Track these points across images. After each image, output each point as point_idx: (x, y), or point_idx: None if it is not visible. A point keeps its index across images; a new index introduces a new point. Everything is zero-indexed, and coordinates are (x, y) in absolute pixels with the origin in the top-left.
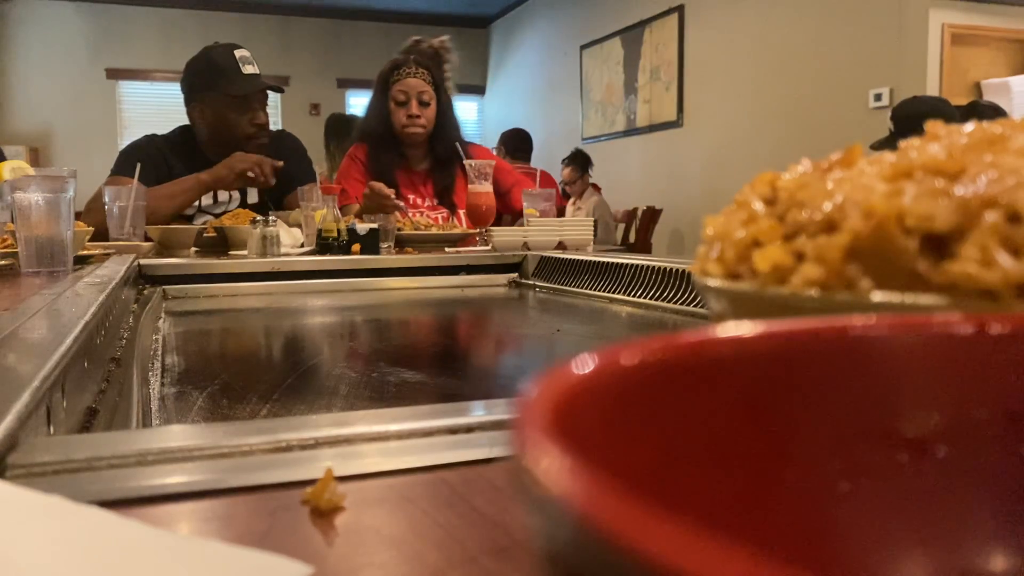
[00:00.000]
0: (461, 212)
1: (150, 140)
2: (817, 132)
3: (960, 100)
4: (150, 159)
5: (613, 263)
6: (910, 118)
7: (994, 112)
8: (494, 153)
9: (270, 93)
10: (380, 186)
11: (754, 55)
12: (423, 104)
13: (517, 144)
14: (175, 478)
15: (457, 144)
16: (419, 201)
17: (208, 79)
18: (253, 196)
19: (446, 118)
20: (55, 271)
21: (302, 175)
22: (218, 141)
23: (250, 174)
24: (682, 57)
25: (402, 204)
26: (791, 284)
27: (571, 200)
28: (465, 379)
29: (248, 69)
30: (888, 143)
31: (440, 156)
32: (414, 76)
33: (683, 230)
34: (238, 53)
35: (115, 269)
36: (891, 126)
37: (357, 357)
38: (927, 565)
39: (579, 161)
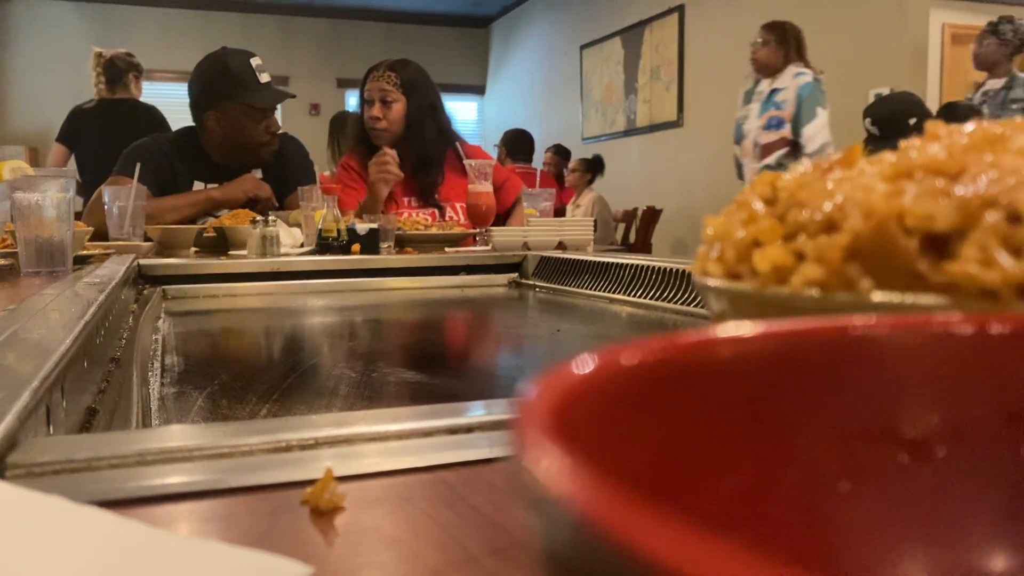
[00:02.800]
0: (458, 205)
1: (155, 140)
2: None
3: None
4: (153, 160)
5: (613, 263)
6: (895, 116)
7: (970, 111)
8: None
9: None
10: (389, 153)
11: None
12: (384, 104)
13: (516, 145)
14: (175, 478)
15: (457, 144)
16: (412, 201)
17: (226, 88)
18: None
19: (417, 119)
20: (55, 271)
21: (303, 176)
22: (231, 147)
23: (260, 194)
24: (682, 57)
25: (400, 174)
26: (791, 284)
27: (571, 200)
28: (465, 379)
29: (264, 78)
30: (874, 144)
31: (411, 157)
32: (380, 78)
33: (683, 230)
34: (254, 62)
35: (115, 269)
36: (874, 129)
37: (357, 357)
38: (927, 565)
39: (589, 163)
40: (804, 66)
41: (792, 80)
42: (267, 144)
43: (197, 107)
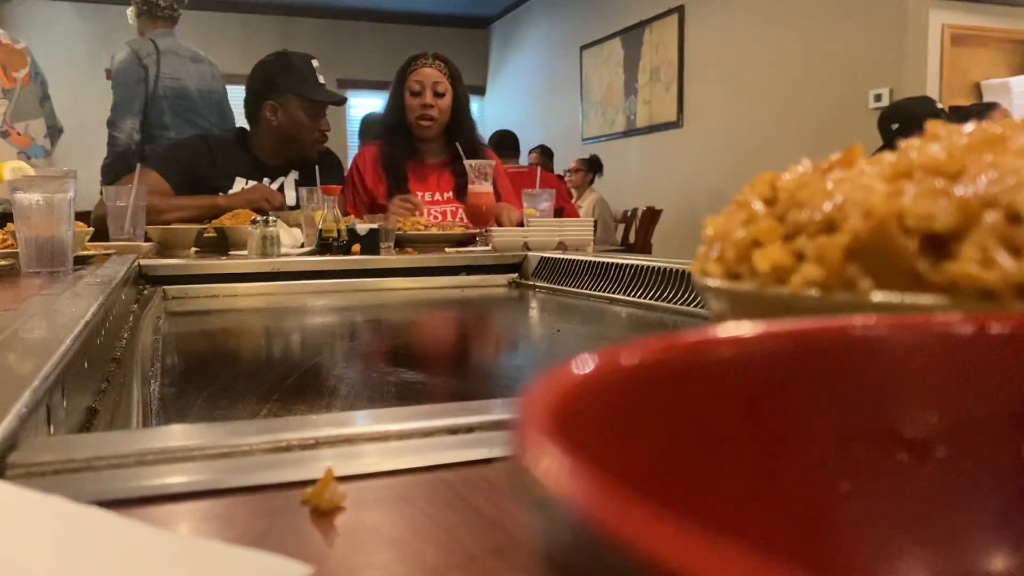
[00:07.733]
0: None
1: (203, 138)
2: (817, 132)
3: (960, 100)
4: (188, 157)
5: (613, 263)
6: (916, 117)
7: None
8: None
9: None
10: (405, 199)
11: (754, 55)
12: (437, 95)
13: (503, 143)
14: (175, 478)
15: (457, 144)
16: (438, 196)
17: (287, 81)
18: None
19: (463, 111)
20: (55, 271)
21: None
22: (283, 139)
23: (265, 206)
24: (682, 57)
25: (422, 206)
26: (791, 284)
27: (571, 200)
28: (465, 379)
29: (322, 79)
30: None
31: (452, 148)
32: (430, 67)
33: (683, 230)
34: (314, 62)
35: (115, 269)
36: (896, 126)
37: (357, 357)
38: (927, 565)
39: (591, 163)
40: None
41: None
42: (317, 141)
43: (256, 99)
